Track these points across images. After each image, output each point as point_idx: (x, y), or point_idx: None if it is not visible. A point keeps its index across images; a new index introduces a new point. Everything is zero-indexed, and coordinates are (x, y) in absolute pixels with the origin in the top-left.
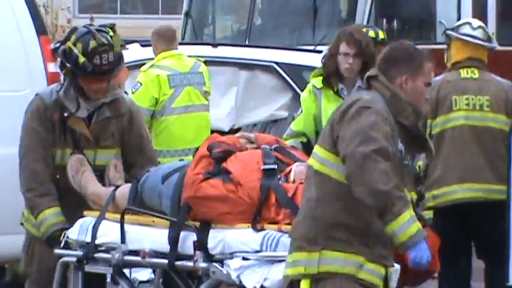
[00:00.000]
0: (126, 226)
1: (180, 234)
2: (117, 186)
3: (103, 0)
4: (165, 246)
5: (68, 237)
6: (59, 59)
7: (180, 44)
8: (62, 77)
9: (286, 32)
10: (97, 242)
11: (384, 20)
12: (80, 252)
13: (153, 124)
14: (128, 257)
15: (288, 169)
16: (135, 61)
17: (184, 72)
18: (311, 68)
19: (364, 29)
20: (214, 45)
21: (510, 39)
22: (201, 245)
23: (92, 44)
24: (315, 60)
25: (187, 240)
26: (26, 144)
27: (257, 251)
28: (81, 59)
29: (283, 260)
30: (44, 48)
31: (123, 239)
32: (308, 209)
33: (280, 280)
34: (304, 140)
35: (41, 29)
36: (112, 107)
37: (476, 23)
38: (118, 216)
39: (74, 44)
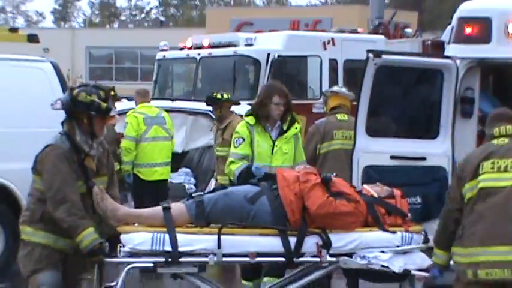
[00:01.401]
0: (211, 236)
1: (283, 239)
2: (166, 207)
3: (104, 72)
4: (265, 249)
5: (133, 248)
6: (71, 112)
7: (152, 98)
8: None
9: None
10: (181, 249)
11: None
12: (158, 259)
13: (137, 148)
14: (227, 258)
15: (364, 189)
16: (124, 110)
17: (153, 116)
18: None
19: (214, 93)
20: (173, 100)
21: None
22: (325, 244)
23: (102, 93)
24: (235, 109)
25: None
26: (60, 181)
27: (398, 246)
28: (103, 105)
29: (412, 252)
30: None
31: (219, 246)
32: None
33: (417, 263)
34: (246, 162)
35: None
36: (101, 144)
37: (340, 85)
38: (194, 229)
39: (90, 95)
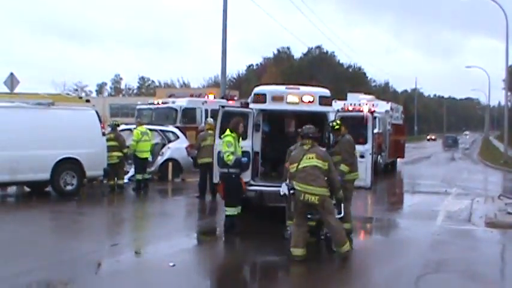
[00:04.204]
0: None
1: None
2: None
3: (117, 115)
4: None
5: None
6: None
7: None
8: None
9: (161, 122)
10: None
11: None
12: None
13: (137, 144)
14: None
15: None
16: (126, 128)
17: (143, 131)
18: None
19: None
20: (148, 124)
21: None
22: None
23: None
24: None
25: None
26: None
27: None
28: None
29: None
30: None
31: None
32: None
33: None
34: (233, 155)
35: (100, 121)
36: None
37: (210, 119)
38: None
39: None
